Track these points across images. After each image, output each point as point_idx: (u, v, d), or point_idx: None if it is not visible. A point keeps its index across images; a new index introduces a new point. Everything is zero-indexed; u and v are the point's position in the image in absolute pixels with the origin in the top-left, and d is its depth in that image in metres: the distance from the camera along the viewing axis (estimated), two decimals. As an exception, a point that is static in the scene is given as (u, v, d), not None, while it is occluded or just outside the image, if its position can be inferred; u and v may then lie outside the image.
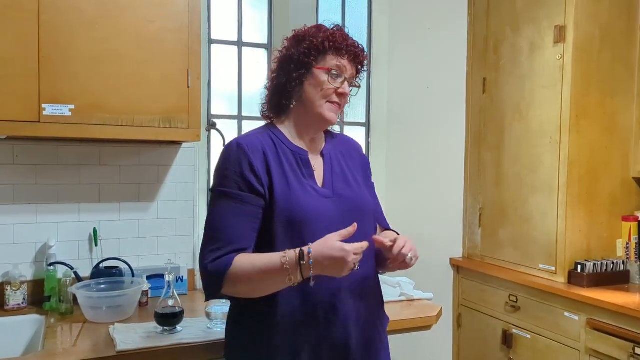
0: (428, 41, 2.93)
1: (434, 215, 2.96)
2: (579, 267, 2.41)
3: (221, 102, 2.56)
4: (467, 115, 3.06)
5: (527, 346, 2.56)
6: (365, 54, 1.45)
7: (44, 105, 1.77)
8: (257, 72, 2.64)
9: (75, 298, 1.89)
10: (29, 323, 1.89)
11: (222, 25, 2.55)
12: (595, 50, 2.45)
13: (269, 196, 1.31)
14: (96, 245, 2.14)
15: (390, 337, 1.53)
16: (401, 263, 1.32)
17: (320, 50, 1.37)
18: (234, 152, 1.33)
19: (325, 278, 1.23)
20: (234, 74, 2.59)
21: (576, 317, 2.31)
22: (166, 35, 1.95)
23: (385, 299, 1.54)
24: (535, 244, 2.60)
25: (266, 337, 1.32)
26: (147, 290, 2.05)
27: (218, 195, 1.32)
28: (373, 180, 1.59)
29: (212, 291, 1.29)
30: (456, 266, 3.05)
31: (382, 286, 1.54)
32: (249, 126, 2.62)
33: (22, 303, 1.97)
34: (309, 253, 1.19)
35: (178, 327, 1.73)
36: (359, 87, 1.48)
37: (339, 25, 1.43)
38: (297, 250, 1.21)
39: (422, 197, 2.93)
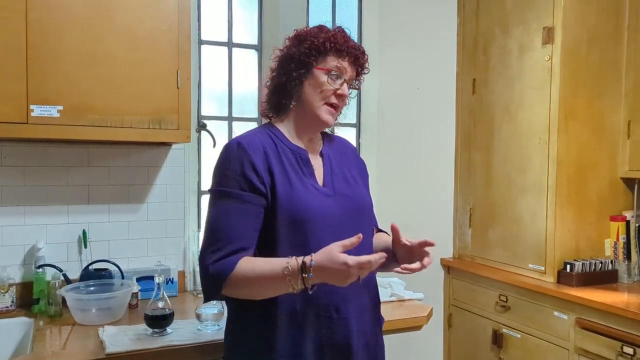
0: (418, 42, 2.94)
1: (424, 216, 2.96)
2: (568, 266, 2.43)
3: (211, 103, 2.56)
4: (457, 116, 3.07)
5: (517, 346, 2.57)
6: (367, 56, 1.45)
7: (32, 106, 1.76)
8: (247, 73, 2.64)
9: (64, 300, 1.88)
10: (18, 326, 1.87)
11: (212, 26, 2.54)
12: (583, 51, 2.47)
13: (270, 195, 1.30)
14: (85, 247, 2.13)
15: (382, 338, 1.54)
16: (411, 264, 1.30)
17: (321, 50, 1.37)
18: (234, 151, 1.32)
19: None
20: (224, 75, 2.58)
21: (565, 317, 2.32)
22: (156, 36, 1.94)
23: (377, 300, 1.54)
24: (525, 244, 2.61)
25: (269, 337, 1.31)
26: (137, 292, 2.04)
27: (218, 194, 1.31)
28: None
29: (213, 293, 1.28)
30: (447, 266, 3.06)
31: (374, 287, 1.54)
32: (239, 127, 2.61)
33: (11, 306, 1.96)
34: (311, 266, 1.18)
35: (168, 329, 1.72)
36: (358, 89, 1.48)
37: (340, 27, 1.43)
38: (300, 260, 1.20)
39: (412, 198, 2.94)
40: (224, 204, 1.29)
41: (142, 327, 1.73)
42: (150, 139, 1.97)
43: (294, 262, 1.20)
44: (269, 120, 1.47)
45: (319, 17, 2.80)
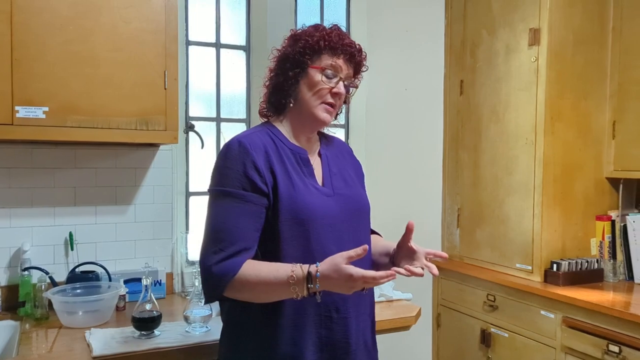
0: (406, 44, 2.95)
1: (412, 216, 2.94)
2: (555, 266, 2.45)
3: (199, 104, 2.55)
4: (445, 117, 3.09)
5: (505, 345, 2.59)
6: (364, 54, 1.44)
7: (17, 108, 1.74)
8: (236, 73, 2.63)
9: (50, 303, 1.86)
10: (3, 329, 1.85)
11: (200, 27, 2.53)
12: (568, 53, 2.50)
13: (272, 195, 1.30)
14: (72, 249, 2.11)
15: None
16: (412, 268, 1.30)
17: (316, 49, 1.37)
18: (235, 150, 1.30)
19: None
20: (212, 76, 2.57)
21: (552, 316, 2.35)
22: (142, 36, 1.93)
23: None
24: (512, 244, 2.63)
25: (269, 338, 1.30)
26: (124, 295, 2.03)
27: (220, 194, 1.29)
28: None
29: (215, 294, 1.27)
30: (435, 266, 3.07)
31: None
32: (227, 128, 2.61)
33: (-4, 309, 1.94)
34: (317, 277, 1.18)
35: (156, 332, 1.71)
36: (357, 87, 1.47)
37: (337, 25, 1.42)
38: (305, 270, 1.20)
39: (401, 198, 2.95)
40: (225, 204, 1.28)
41: (130, 330, 1.72)
42: (137, 140, 1.96)
43: (299, 271, 1.20)
44: (266, 120, 1.47)
45: (307, 18, 2.80)
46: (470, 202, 2.90)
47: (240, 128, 2.65)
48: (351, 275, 1.16)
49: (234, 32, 2.63)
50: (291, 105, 1.40)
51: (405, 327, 2.01)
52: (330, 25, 1.42)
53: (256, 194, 1.28)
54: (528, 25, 2.52)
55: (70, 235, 2.11)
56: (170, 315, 1.94)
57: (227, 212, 1.27)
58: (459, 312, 2.89)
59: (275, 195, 1.30)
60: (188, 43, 2.47)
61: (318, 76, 1.36)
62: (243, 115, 2.65)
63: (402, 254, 1.41)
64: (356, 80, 1.46)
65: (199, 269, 1.30)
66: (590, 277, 2.48)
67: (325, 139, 1.53)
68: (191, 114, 2.49)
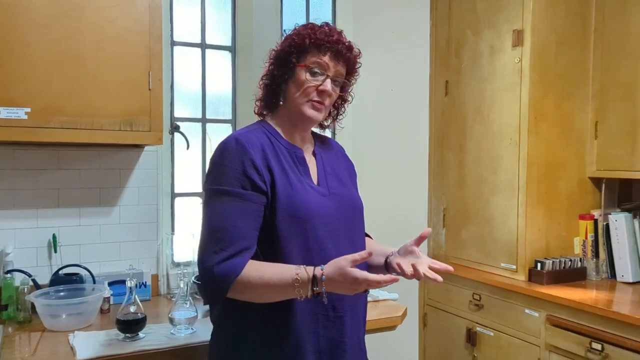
0: (392, 44, 2.96)
1: (399, 216, 2.99)
2: (539, 265, 2.48)
3: (185, 105, 2.53)
4: (431, 118, 3.11)
5: (490, 343, 2.61)
6: (356, 51, 1.44)
7: (-2, 108, 1.72)
8: (221, 74, 2.62)
9: (33, 306, 1.84)
10: (-15, 333, 1.83)
11: (185, 27, 2.52)
12: (551, 54, 2.52)
13: (270, 193, 1.29)
14: (55, 251, 2.09)
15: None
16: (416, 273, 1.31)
17: (302, 47, 1.36)
18: (232, 148, 1.29)
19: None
20: (197, 77, 2.56)
21: (536, 314, 2.37)
22: (126, 36, 1.92)
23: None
24: (497, 243, 2.66)
25: (267, 338, 1.30)
26: (109, 297, 2.01)
27: (217, 193, 1.28)
28: None
29: (219, 295, 1.24)
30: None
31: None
32: (213, 129, 2.60)
33: (-23, 312, 1.91)
34: (322, 280, 1.19)
35: (140, 334, 1.70)
36: (350, 84, 1.47)
37: (327, 23, 1.42)
38: (310, 272, 1.20)
39: (387, 198, 2.96)
40: (224, 203, 1.26)
41: (114, 332, 1.71)
42: (121, 141, 1.94)
43: (304, 273, 1.20)
44: (262, 119, 1.47)
45: (292, 18, 2.79)
46: (456, 202, 2.92)
47: (226, 129, 2.64)
48: (356, 279, 1.17)
49: (220, 32, 2.63)
50: (281, 104, 1.41)
51: (392, 327, 2.02)
52: (322, 23, 1.41)
53: (255, 192, 1.27)
54: (512, 26, 2.55)
55: (54, 237, 2.09)
56: (155, 317, 1.93)
57: (226, 211, 1.26)
58: (445, 311, 2.91)
59: (273, 194, 1.29)
60: (173, 43, 2.46)
61: (304, 74, 1.36)
62: (229, 116, 2.64)
63: (404, 255, 1.41)
64: (352, 79, 1.46)
65: (198, 270, 1.27)
66: (573, 275, 2.51)
67: (319, 139, 1.54)
68: (176, 114, 2.48)
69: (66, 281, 1.99)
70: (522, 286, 2.44)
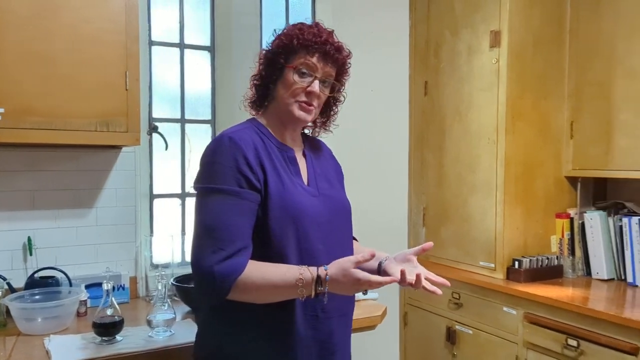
0: (371, 45, 2.97)
1: (379, 215, 3.00)
2: (516, 263, 2.51)
3: (163, 105, 2.51)
4: (410, 118, 3.12)
5: (470, 342, 2.63)
6: (346, 52, 1.44)
7: (-31, 109, 1.69)
8: (200, 74, 2.61)
9: (8, 310, 1.81)
10: (-42, 338, 1.80)
11: (164, 27, 2.50)
12: (528, 54, 2.55)
13: (264, 191, 1.28)
14: (30, 254, 2.06)
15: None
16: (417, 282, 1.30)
17: (290, 48, 1.36)
18: (226, 146, 1.28)
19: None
20: (176, 77, 2.54)
21: (514, 312, 2.40)
22: (102, 36, 1.90)
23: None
24: (476, 242, 2.68)
25: (257, 339, 1.29)
26: (86, 300, 1.99)
27: (211, 191, 1.26)
28: None
29: (219, 295, 1.21)
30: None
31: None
32: (192, 129, 2.58)
33: (-50, 317, 1.87)
34: (326, 280, 1.20)
35: (117, 337, 1.68)
36: (340, 85, 1.46)
37: (317, 22, 1.41)
38: (314, 273, 1.21)
39: (368, 198, 2.97)
40: (219, 201, 1.25)
41: (91, 336, 1.69)
42: (97, 142, 1.92)
43: (307, 274, 1.21)
44: (252, 118, 1.47)
45: (272, 19, 2.79)
46: (435, 201, 2.95)
47: (205, 129, 2.62)
48: (359, 280, 1.18)
49: (198, 32, 2.61)
50: (271, 104, 1.42)
51: (371, 327, 2.03)
52: (312, 23, 1.41)
53: (250, 190, 1.26)
54: (489, 26, 2.57)
55: (29, 240, 2.06)
56: (134, 320, 1.91)
57: (222, 209, 1.24)
58: (425, 310, 2.93)
59: (266, 192, 1.28)
60: (151, 43, 2.44)
61: (291, 75, 1.36)
62: (208, 117, 2.62)
63: (400, 263, 1.41)
64: (342, 79, 1.46)
65: (193, 271, 1.24)
66: (550, 273, 2.55)
67: (308, 140, 1.54)
68: (155, 115, 2.46)
69: (42, 284, 1.96)
70: (501, 284, 2.47)
